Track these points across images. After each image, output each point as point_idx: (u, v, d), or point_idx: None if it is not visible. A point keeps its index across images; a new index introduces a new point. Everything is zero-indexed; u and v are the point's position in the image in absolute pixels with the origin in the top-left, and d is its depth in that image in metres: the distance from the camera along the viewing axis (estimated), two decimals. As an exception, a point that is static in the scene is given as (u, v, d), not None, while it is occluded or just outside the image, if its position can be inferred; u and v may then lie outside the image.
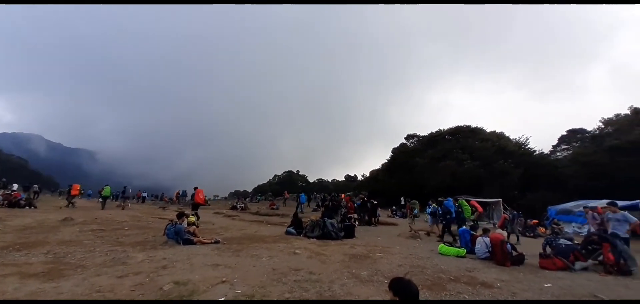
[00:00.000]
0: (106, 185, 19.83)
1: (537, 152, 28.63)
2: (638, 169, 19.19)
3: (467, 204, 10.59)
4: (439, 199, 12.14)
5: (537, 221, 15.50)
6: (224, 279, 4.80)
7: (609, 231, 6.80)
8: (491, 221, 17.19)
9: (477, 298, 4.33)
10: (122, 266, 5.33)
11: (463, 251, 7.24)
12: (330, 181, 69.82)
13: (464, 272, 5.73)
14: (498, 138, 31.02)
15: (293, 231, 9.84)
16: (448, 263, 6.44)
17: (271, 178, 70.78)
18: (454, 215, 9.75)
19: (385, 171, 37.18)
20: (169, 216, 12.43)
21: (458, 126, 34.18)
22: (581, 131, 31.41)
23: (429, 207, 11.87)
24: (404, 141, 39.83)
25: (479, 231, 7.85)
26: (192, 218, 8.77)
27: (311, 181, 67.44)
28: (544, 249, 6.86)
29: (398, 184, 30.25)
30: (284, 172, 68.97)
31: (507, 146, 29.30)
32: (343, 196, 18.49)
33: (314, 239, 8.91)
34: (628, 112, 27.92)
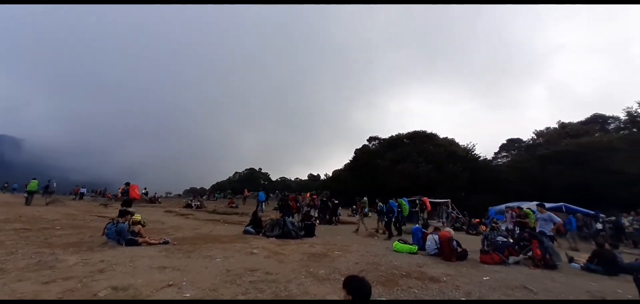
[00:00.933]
0: (33, 178, 17.33)
1: (481, 158, 31.69)
2: (563, 175, 22.25)
3: (405, 204, 11.36)
4: (399, 198, 12.75)
5: (479, 220, 17.08)
6: (170, 282, 4.46)
7: (537, 229, 7.73)
8: (441, 220, 18.54)
9: (426, 292, 4.58)
10: (49, 271, 4.68)
11: (415, 248, 7.66)
12: (293, 179, 69.51)
13: (415, 268, 6.05)
14: (450, 144, 33.63)
15: (251, 230, 9.54)
16: (401, 259, 6.75)
17: (231, 175, 68.30)
18: (396, 214, 10.41)
19: (347, 171, 38.09)
20: (111, 215, 11.23)
21: (416, 131, 36.34)
22: (518, 141, 35.51)
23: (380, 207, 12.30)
24: (366, 143, 41.23)
25: (430, 229, 8.39)
26: (138, 216, 8.02)
27: (274, 179, 66.50)
28: (483, 245, 7.55)
29: (360, 184, 31.21)
30: (246, 170, 67.00)
31: (457, 151, 31.93)
32: (309, 194, 18.54)
33: (274, 238, 8.73)
34: (556, 126, 32.26)
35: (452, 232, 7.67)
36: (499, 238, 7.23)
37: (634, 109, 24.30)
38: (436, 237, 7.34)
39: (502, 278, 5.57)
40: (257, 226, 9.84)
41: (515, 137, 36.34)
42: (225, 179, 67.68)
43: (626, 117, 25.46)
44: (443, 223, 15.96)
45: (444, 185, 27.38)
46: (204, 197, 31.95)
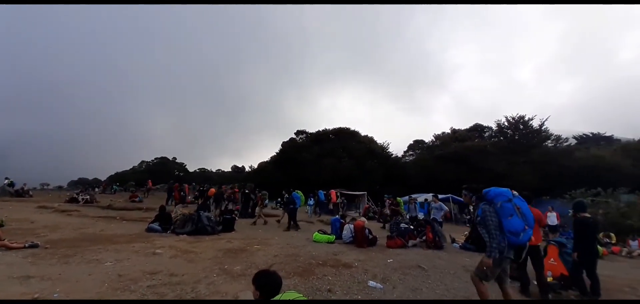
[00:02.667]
0: None
1: (393, 156, 35.77)
2: (454, 172, 27.04)
3: (302, 194, 11.96)
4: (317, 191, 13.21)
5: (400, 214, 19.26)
6: (37, 295, 3.55)
7: (431, 216, 9.13)
8: (357, 210, 20.17)
9: (339, 278, 4.82)
10: None
11: (332, 237, 8.05)
12: (214, 171, 64.84)
13: (331, 256, 6.34)
14: (369, 142, 36.81)
15: (157, 227, 8.38)
16: (319, 249, 6.98)
17: (137, 165, 59.10)
18: (298, 205, 10.71)
19: (273, 164, 37.61)
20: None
21: (341, 128, 38.43)
22: (422, 142, 41.40)
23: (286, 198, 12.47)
24: (294, 136, 41.52)
25: (348, 219, 8.99)
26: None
27: (191, 170, 60.59)
28: (391, 231, 8.48)
29: (285, 177, 31.23)
30: (156, 159, 58.89)
31: (375, 148, 35.21)
32: (234, 187, 17.49)
33: (185, 235, 7.87)
34: (449, 131, 38.86)
35: (366, 221, 8.35)
36: (402, 225, 8.24)
37: (501, 122, 31.39)
38: (351, 226, 7.87)
39: (402, 260, 6.33)
40: (164, 222, 8.70)
41: (420, 138, 42.40)
42: (128, 168, 58.13)
43: (496, 128, 32.69)
44: (359, 213, 17.35)
45: (362, 179, 29.85)
46: (97, 189, 26.57)
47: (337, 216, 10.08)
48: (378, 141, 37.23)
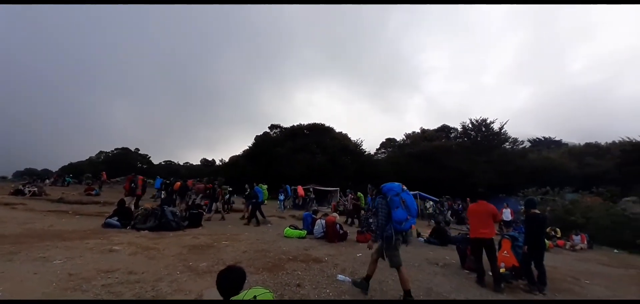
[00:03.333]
0: None
1: (366, 153, 36.56)
2: (422, 169, 28.28)
3: (265, 189, 11.81)
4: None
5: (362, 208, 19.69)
6: None
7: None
8: (330, 206, 20.41)
9: (308, 272, 4.83)
10: None
11: (304, 232, 8.06)
12: (181, 164, 62.00)
13: (302, 251, 6.34)
14: (343, 138, 37.27)
15: (115, 222, 7.81)
16: (290, 244, 6.95)
17: (95, 155, 54.75)
18: (260, 199, 10.53)
19: (245, 158, 36.77)
20: None
21: (315, 124, 38.46)
22: (393, 140, 42.76)
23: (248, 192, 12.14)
24: (268, 131, 40.86)
25: (319, 215, 9.04)
26: None
27: (156, 162, 57.36)
28: (361, 227, 8.68)
29: (257, 171, 30.71)
30: (116, 149, 54.91)
31: (349, 145, 35.75)
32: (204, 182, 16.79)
33: (146, 231, 7.43)
34: (419, 131, 40.52)
35: (338, 217, 8.45)
36: (372, 220, 8.46)
37: (466, 124, 33.32)
38: (323, 222, 7.93)
39: (370, 254, 6.51)
40: (124, 217, 8.14)
41: (392, 137, 43.77)
42: (84, 159, 53.67)
43: (461, 130, 34.69)
44: (331, 209, 17.55)
45: (336, 175, 30.23)
46: (47, 181, 24.18)
47: (309, 212, 10.11)
48: (352, 138, 37.86)
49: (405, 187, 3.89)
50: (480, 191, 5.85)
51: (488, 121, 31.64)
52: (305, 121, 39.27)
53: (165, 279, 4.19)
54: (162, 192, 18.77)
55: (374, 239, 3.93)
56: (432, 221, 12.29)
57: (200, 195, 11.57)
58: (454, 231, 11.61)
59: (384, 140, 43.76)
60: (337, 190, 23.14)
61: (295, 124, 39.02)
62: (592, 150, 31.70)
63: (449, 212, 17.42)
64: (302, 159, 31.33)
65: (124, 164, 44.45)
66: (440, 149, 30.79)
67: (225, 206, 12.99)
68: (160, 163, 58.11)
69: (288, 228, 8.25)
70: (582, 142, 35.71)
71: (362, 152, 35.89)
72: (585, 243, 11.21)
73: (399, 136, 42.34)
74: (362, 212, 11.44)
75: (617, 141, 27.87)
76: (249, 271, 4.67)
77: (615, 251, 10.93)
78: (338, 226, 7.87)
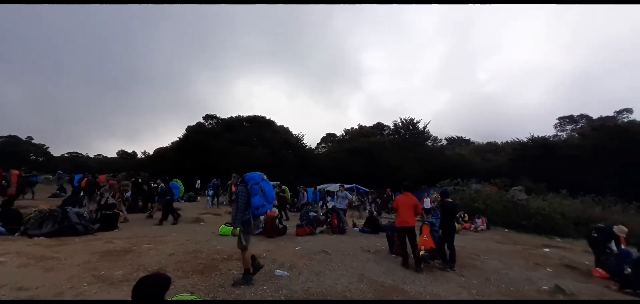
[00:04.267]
0: None
1: (308, 147, 37.06)
2: (360, 164, 30.01)
3: (181, 184, 11.24)
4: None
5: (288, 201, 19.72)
6: None
7: (337, 205, 9.88)
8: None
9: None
10: None
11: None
12: (92, 156, 53.23)
13: (238, 249, 6.07)
14: (285, 132, 36.99)
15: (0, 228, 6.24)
16: (225, 242, 6.58)
17: (-32, 145, 42.89)
18: (177, 195, 9.99)
19: (175, 150, 33.41)
20: None
21: (256, 116, 37.19)
22: (333, 135, 44.36)
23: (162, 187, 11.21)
24: (202, 121, 37.91)
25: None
26: None
27: (56, 154, 47.91)
28: (301, 220, 8.77)
29: (188, 164, 28.27)
30: (2, 137, 44.01)
31: (290, 139, 35.66)
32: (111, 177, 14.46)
33: (43, 237, 6.12)
34: (357, 127, 42.86)
35: (277, 212, 8.36)
36: (311, 213, 8.65)
37: (397, 122, 36.61)
38: (262, 217, 7.74)
39: (310, 246, 6.64)
40: (11, 221, 6.56)
41: (332, 132, 45.37)
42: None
43: (393, 128, 37.96)
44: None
45: (277, 169, 29.90)
46: None
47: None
48: (294, 132, 37.89)
49: (265, 177, 4.22)
50: (406, 184, 6.50)
51: (415, 121, 35.36)
52: (245, 113, 37.68)
53: (67, 293, 3.53)
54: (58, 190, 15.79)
55: (233, 224, 4.21)
56: (367, 211, 13.18)
57: (115, 193, 9.91)
58: (384, 219, 12.67)
59: (325, 135, 45.08)
60: (277, 185, 22.87)
61: (234, 115, 37.11)
62: (492, 148, 38.32)
63: (373, 204, 18.71)
64: (241, 152, 30.02)
65: (11, 157, 35.73)
66: (375, 145, 33.15)
67: (150, 205, 11.57)
68: (62, 155, 48.69)
69: (223, 225, 7.81)
70: (485, 141, 42.90)
71: (303, 146, 36.21)
72: (485, 225, 13.52)
73: (339, 132, 44.16)
74: (309, 206, 11.57)
75: (509, 141, 34.31)
76: (176, 275, 4.27)
77: (506, 230, 13.45)
78: (277, 220, 7.79)
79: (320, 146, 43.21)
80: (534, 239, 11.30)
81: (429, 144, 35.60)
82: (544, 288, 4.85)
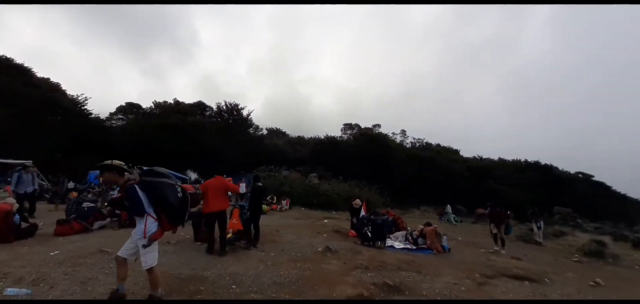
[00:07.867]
0: None
1: (93, 116, 27.73)
2: (174, 143, 26.17)
3: None
4: None
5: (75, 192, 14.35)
6: None
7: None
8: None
9: None
10: None
11: None
12: None
13: None
14: (52, 88, 25.72)
15: None
16: None
17: None
18: None
19: None
20: None
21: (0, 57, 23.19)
22: (138, 106, 35.97)
23: None
24: None
25: None
26: None
27: None
28: (68, 214, 6.36)
29: None
30: None
31: (61, 100, 25.25)
32: None
33: None
34: (172, 102, 37.17)
35: (16, 204, 5.57)
36: (85, 204, 6.45)
37: (221, 105, 35.15)
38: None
39: (78, 247, 4.94)
40: None
41: (137, 102, 36.55)
42: None
43: (216, 110, 36.11)
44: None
45: (35, 140, 20.32)
46: None
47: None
48: (68, 92, 27.17)
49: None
50: (221, 168, 6.27)
51: (239, 107, 35.53)
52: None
53: None
54: None
55: None
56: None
57: None
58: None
59: (125, 104, 35.61)
60: (29, 164, 15.47)
61: None
62: (301, 141, 45.55)
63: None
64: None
65: None
66: (195, 125, 30.21)
67: None
68: None
69: None
70: (296, 135, 50.40)
71: (84, 113, 26.66)
72: (288, 205, 15.86)
73: (148, 104, 36.38)
74: (74, 194, 8.51)
75: (312, 137, 42.34)
76: None
77: (303, 208, 16.42)
78: (16, 217, 5.19)
79: (114, 116, 33.65)
80: (320, 214, 14.51)
81: (251, 131, 36.99)
82: (319, 249, 6.24)
